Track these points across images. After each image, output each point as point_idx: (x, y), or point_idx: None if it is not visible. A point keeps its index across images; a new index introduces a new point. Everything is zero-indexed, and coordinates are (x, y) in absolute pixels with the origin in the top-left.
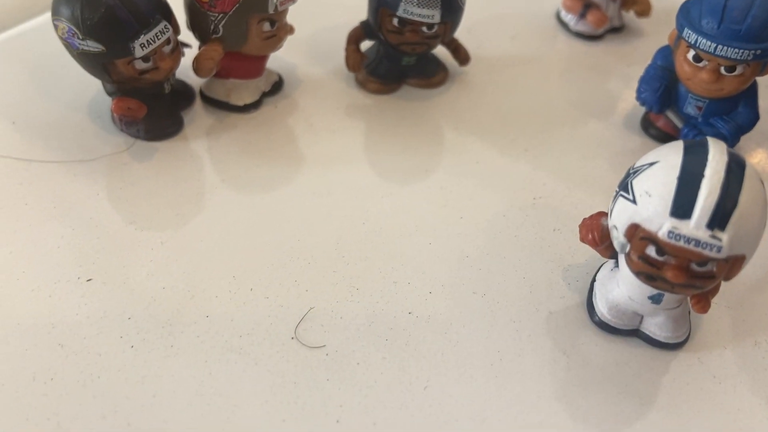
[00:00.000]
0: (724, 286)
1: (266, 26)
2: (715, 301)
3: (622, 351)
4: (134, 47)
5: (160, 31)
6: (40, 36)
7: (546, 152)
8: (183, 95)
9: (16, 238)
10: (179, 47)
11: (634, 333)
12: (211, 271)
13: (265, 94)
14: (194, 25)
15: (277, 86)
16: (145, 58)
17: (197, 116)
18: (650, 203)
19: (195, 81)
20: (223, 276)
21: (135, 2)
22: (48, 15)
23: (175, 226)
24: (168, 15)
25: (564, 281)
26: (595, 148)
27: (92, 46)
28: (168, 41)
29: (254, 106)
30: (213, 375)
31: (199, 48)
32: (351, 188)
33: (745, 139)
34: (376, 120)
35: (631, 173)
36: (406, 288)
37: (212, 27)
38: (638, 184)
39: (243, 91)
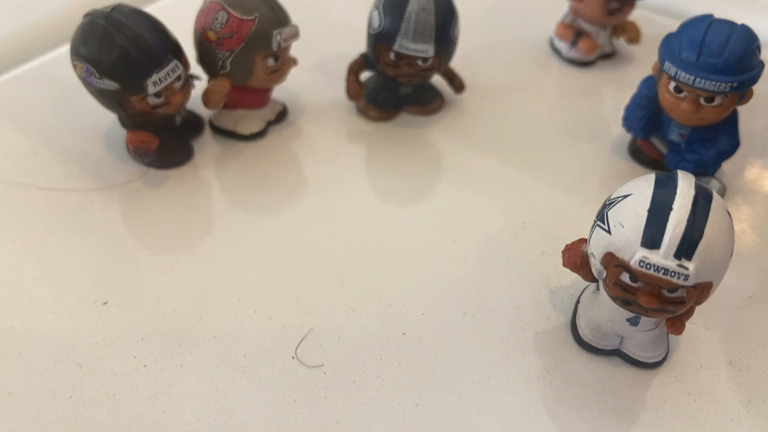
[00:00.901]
0: (702, 306)
1: (270, 62)
2: (693, 321)
3: (604, 370)
4: (147, 85)
5: (171, 69)
6: (61, 67)
7: (537, 177)
8: (193, 125)
9: (39, 263)
10: (189, 81)
11: (615, 352)
12: (218, 293)
13: (271, 123)
14: (203, 61)
15: (281, 115)
16: (157, 94)
17: (207, 145)
18: (623, 234)
19: (204, 111)
20: (229, 298)
21: (148, 43)
22: (67, 46)
23: (185, 251)
24: (179, 53)
25: (550, 303)
26: (583, 173)
27: (108, 84)
28: (179, 77)
29: (260, 134)
30: (219, 392)
31: (208, 81)
32: (351, 213)
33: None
34: (375, 146)
35: (608, 204)
36: (400, 309)
37: (220, 63)
38: (613, 215)
39: (249, 121)
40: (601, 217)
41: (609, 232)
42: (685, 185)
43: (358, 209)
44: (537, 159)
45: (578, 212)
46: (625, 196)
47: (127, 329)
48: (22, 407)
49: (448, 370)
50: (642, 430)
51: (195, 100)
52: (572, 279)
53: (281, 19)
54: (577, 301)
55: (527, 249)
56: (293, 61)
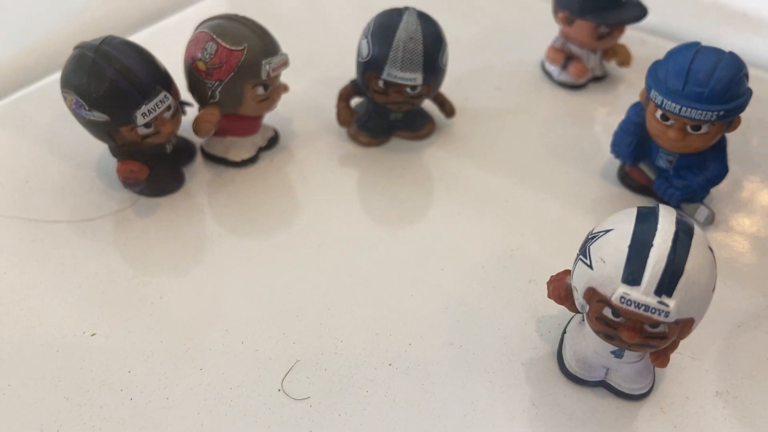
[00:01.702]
0: (690, 336)
1: (260, 90)
2: (680, 351)
3: (589, 401)
4: (136, 116)
5: (160, 100)
6: (53, 95)
7: (526, 203)
8: (185, 152)
9: (28, 294)
10: (180, 111)
11: (601, 384)
12: (205, 324)
13: (262, 149)
14: (193, 90)
15: (273, 141)
16: (146, 124)
17: (198, 171)
18: (605, 269)
19: (196, 137)
20: (216, 329)
21: (137, 75)
22: (59, 74)
23: (174, 280)
24: (168, 83)
25: (537, 332)
26: (572, 198)
27: (97, 116)
28: (168, 107)
29: (251, 161)
30: (204, 426)
31: (199, 110)
32: (340, 240)
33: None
34: (366, 171)
35: (590, 239)
36: (387, 339)
37: (210, 92)
38: (594, 250)
39: (240, 148)
40: (584, 252)
41: (591, 267)
42: (666, 221)
43: (348, 236)
44: (527, 183)
45: (567, 239)
46: (607, 231)
47: (114, 362)
48: None
49: (433, 402)
50: None
51: (187, 127)
52: (559, 308)
53: (270, 48)
54: (564, 332)
55: (515, 277)
56: (284, 88)
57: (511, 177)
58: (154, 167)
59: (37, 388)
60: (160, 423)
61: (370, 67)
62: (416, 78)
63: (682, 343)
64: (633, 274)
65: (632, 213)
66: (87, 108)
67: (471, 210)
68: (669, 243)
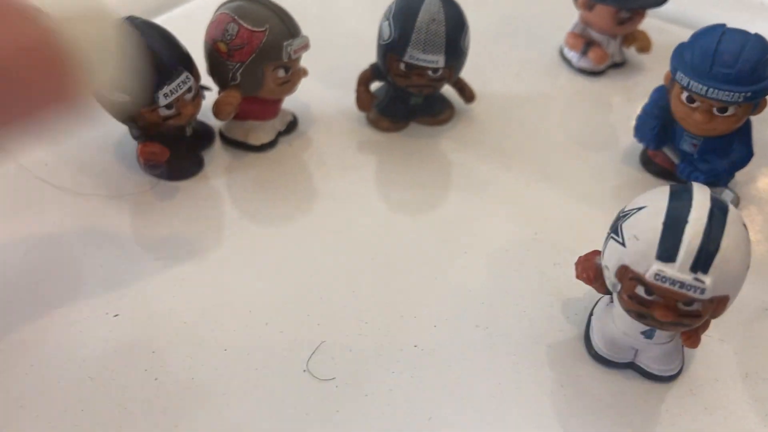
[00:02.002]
0: (717, 320)
1: (281, 73)
2: (709, 334)
3: (618, 383)
4: (158, 97)
5: (182, 81)
6: None
7: (548, 187)
8: (204, 136)
9: (50, 275)
10: (200, 93)
11: (629, 366)
12: (228, 305)
13: (281, 134)
14: (214, 73)
15: (292, 125)
16: (168, 106)
17: (217, 156)
18: (638, 246)
19: (215, 122)
20: (240, 310)
21: (159, 55)
22: None
23: (195, 263)
24: (189, 65)
25: (563, 315)
26: (595, 183)
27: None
28: (190, 89)
29: (270, 145)
30: (230, 407)
31: (219, 93)
32: (361, 224)
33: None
34: (385, 157)
35: (621, 217)
36: (412, 321)
37: (230, 75)
38: (627, 227)
39: (260, 132)
40: (615, 230)
41: (623, 244)
42: (701, 197)
43: (369, 220)
44: (548, 169)
45: (590, 223)
46: (640, 209)
47: (138, 342)
48: (33, 420)
49: (460, 384)
50: None
51: (206, 111)
52: (585, 291)
53: (292, 30)
54: (591, 314)
55: (539, 260)
56: (303, 72)
57: (532, 162)
58: (174, 150)
59: (60, 368)
60: (185, 403)
61: (391, 50)
62: (438, 60)
63: (710, 326)
64: (668, 250)
65: (665, 190)
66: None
67: (492, 195)
68: (704, 219)
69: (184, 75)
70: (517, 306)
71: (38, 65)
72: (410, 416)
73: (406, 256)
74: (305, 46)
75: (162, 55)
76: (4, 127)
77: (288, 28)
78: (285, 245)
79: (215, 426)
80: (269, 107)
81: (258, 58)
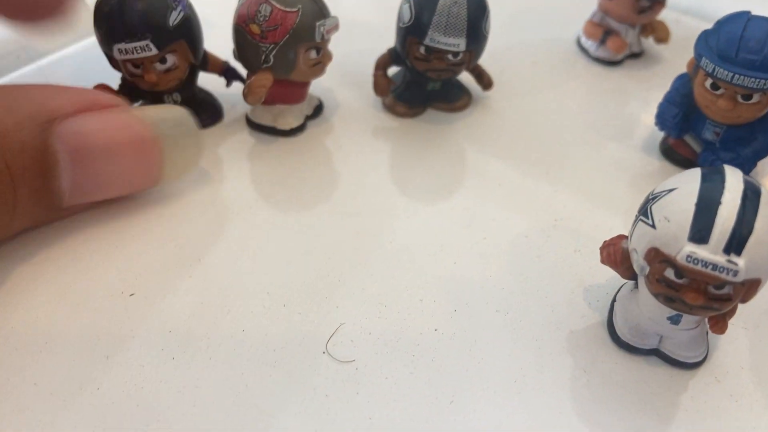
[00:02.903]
0: (741, 307)
1: (312, 54)
2: (732, 322)
3: (641, 369)
4: (114, 48)
5: (140, 47)
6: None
7: (567, 175)
8: (204, 112)
9: (63, 253)
10: (177, 69)
11: (654, 352)
12: (245, 287)
13: (308, 118)
14: (243, 56)
15: (318, 109)
16: (135, 65)
17: (238, 139)
18: (669, 228)
19: (229, 103)
20: (257, 292)
21: (130, 15)
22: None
23: (212, 244)
24: (162, 38)
25: (585, 301)
26: (614, 171)
27: (96, 32)
28: (163, 60)
29: (299, 129)
30: (249, 387)
31: (247, 77)
32: (379, 208)
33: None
34: (402, 142)
35: (651, 199)
36: (431, 305)
37: (263, 57)
38: (657, 209)
39: (288, 116)
40: (644, 212)
41: (654, 226)
42: (734, 179)
43: (386, 205)
44: (567, 157)
45: (611, 211)
46: (670, 190)
47: (154, 321)
48: (47, 398)
49: (482, 368)
50: (682, 431)
51: (219, 90)
52: (607, 277)
53: (323, 10)
54: (614, 300)
55: (559, 247)
56: (330, 56)
57: (551, 150)
58: None
59: (75, 346)
60: (203, 383)
61: (411, 33)
62: (459, 44)
63: (735, 314)
64: (700, 231)
65: (696, 172)
66: (94, 22)
67: (510, 182)
68: (738, 201)
69: (144, 43)
70: (538, 292)
71: (139, 155)
72: (431, 399)
73: (424, 241)
74: (336, 27)
75: (132, 16)
76: (103, 197)
77: (320, 8)
78: (303, 229)
79: (234, 406)
80: (298, 90)
81: (291, 39)
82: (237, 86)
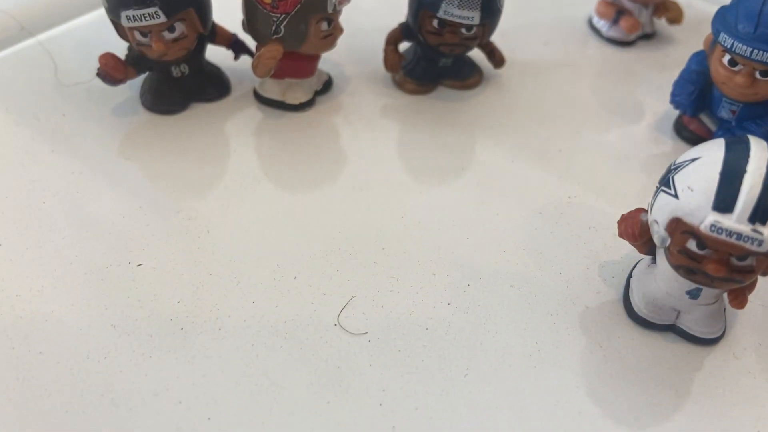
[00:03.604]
0: (759, 285)
1: (324, 26)
2: (751, 299)
3: (658, 345)
4: (121, 15)
5: (148, 14)
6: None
7: (579, 153)
8: (212, 85)
9: (69, 224)
10: (186, 39)
11: (670, 328)
12: (255, 259)
13: (317, 93)
14: (253, 27)
15: (327, 85)
16: (143, 33)
17: (245, 114)
18: (693, 197)
19: (237, 78)
20: (267, 264)
21: None
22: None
23: (221, 216)
24: (171, 7)
25: (600, 277)
26: (627, 150)
27: (105, 0)
28: (171, 29)
29: (308, 104)
30: (260, 357)
31: (256, 48)
32: (389, 184)
33: None
34: (412, 119)
35: (673, 169)
36: (444, 280)
37: (274, 28)
38: (680, 179)
39: (297, 91)
40: (666, 182)
41: (676, 196)
42: (759, 148)
43: (397, 181)
44: (578, 136)
45: (625, 188)
46: (693, 160)
47: (162, 292)
48: (53, 367)
49: (496, 342)
50: (701, 407)
51: (228, 63)
52: (622, 254)
53: None
54: (630, 276)
55: (574, 224)
56: (341, 29)
57: (563, 129)
58: (159, 83)
59: (82, 315)
60: (213, 353)
61: (425, 5)
62: (474, 17)
63: (754, 290)
64: (725, 200)
65: (720, 142)
66: None
67: (523, 159)
68: (764, 169)
69: (153, 10)
70: (552, 268)
71: None
72: (445, 372)
73: (436, 217)
74: None
75: None
76: None
77: None
78: (312, 202)
79: (244, 376)
80: (308, 64)
81: (303, 10)
82: (245, 60)
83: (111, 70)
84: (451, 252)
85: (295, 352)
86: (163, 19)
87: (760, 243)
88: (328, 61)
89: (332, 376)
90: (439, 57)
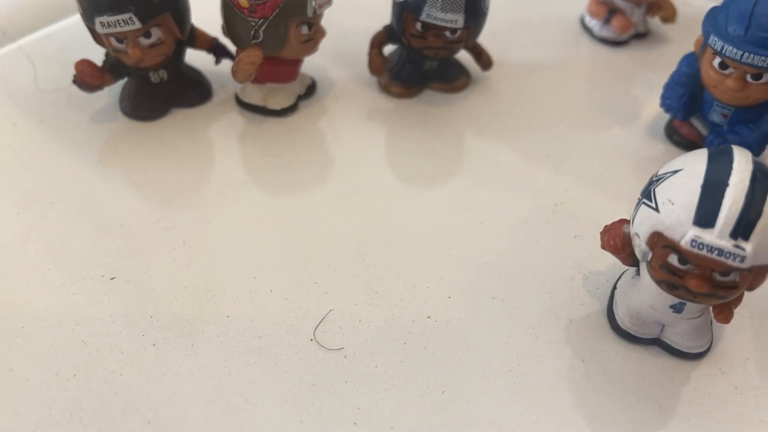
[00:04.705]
0: (748, 296)
1: (304, 30)
2: (738, 311)
3: (642, 360)
4: (95, 21)
5: (123, 20)
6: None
7: (568, 158)
8: (193, 90)
9: (43, 236)
10: (163, 44)
11: (655, 342)
12: (231, 271)
13: (300, 98)
14: (232, 31)
15: (311, 89)
16: (118, 40)
17: (229, 119)
18: (673, 211)
19: (218, 82)
20: (243, 276)
21: None
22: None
23: (197, 226)
24: (146, 11)
25: (584, 288)
26: (617, 155)
27: (78, 5)
28: (147, 34)
29: (291, 109)
30: (232, 374)
31: (236, 53)
32: (373, 191)
33: None
34: (398, 124)
35: (654, 181)
36: (425, 292)
37: (252, 32)
38: (661, 191)
39: (279, 95)
40: (648, 194)
41: (657, 209)
42: (742, 160)
43: (381, 188)
44: (568, 139)
45: (613, 195)
46: (675, 172)
47: (135, 306)
48: (23, 385)
49: (476, 357)
50: (685, 424)
51: (208, 67)
52: (607, 264)
53: None
54: (614, 287)
55: (559, 232)
56: (323, 32)
57: (552, 132)
58: (138, 88)
59: (52, 330)
60: (184, 369)
61: (408, 8)
62: (457, 20)
63: (741, 303)
64: (706, 215)
65: (703, 153)
66: None
67: (510, 164)
68: (747, 182)
69: (127, 16)
70: (536, 279)
71: None
72: (423, 389)
73: (419, 225)
74: (329, 2)
75: None
76: None
77: None
78: (292, 211)
79: (216, 394)
80: (289, 68)
81: (282, 14)
82: (226, 64)
83: (87, 77)
84: (433, 262)
85: (269, 369)
86: (138, 25)
87: (743, 259)
88: (312, 65)
89: (306, 394)
90: (424, 60)
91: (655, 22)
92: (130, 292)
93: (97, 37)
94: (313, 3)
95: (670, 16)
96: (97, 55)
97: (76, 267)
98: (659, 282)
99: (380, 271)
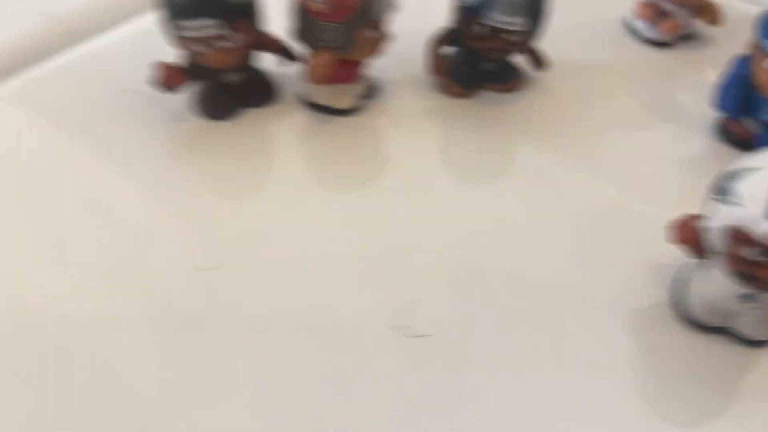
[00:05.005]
0: None
1: (373, 33)
2: None
3: (710, 348)
4: (179, 26)
5: (202, 26)
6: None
7: (622, 157)
8: (259, 91)
9: (119, 235)
10: (237, 50)
11: (722, 330)
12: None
13: (363, 98)
14: (303, 35)
15: (374, 89)
16: (199, 43)
17: (292, 120)
18: (750, 205)
19: (284, 84)
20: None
21: None
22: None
23: (273, 221)
24: (227, 15)
25: (647, 280)
26: (670, 152)
27: (161, 11)
28: (224, 38)
29: (355, 109)
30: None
31: (307, 57)
32: (434, 189)
33: None
34: (458, 123)
35: (728, 177)
36: (496, 282)
37: (324, 36)
38: (738, 187)
39: (345, 96)
40: (722, 190)
41: (732, 203)
42: None
43: (442, 184)
44: (620, 140)
45: (670, 192)
46: (750, 168)
47: (244, 296)
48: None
49: (548, 344)
50: (756, 412)
51: (278, 71)
52: (670, 257)
53: None
54: (678, 278)
55: (618, 227)
56: (389, 36)
57: (605, 132)
58: (211, 89)
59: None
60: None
61: (471, 12)
62: (520, 23)
63: None
64: None
65: None
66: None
67: (566, 162)
68: None
69: (210, 20)
70: (598, 271)
71: None
72: (500, 372)
73: (482, 219)
74: (396, 6)
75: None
76: None
77: None
78: (356, 208)
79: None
80: (355, 70)
81: (354, 18)
82: (292, 65)
83: (169, 80)
84: (499, 255)
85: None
86: (220, 29)
87: None
88: (374, 66)
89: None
90: (481, 61)
91: (698, 23)
92: (222, 284)
93: (176, 40)
94: (382, 8)
95: (715, 18)
96: (166, 56)
97: (168, 260)
98: (734, 273)
99: (451, 264)
